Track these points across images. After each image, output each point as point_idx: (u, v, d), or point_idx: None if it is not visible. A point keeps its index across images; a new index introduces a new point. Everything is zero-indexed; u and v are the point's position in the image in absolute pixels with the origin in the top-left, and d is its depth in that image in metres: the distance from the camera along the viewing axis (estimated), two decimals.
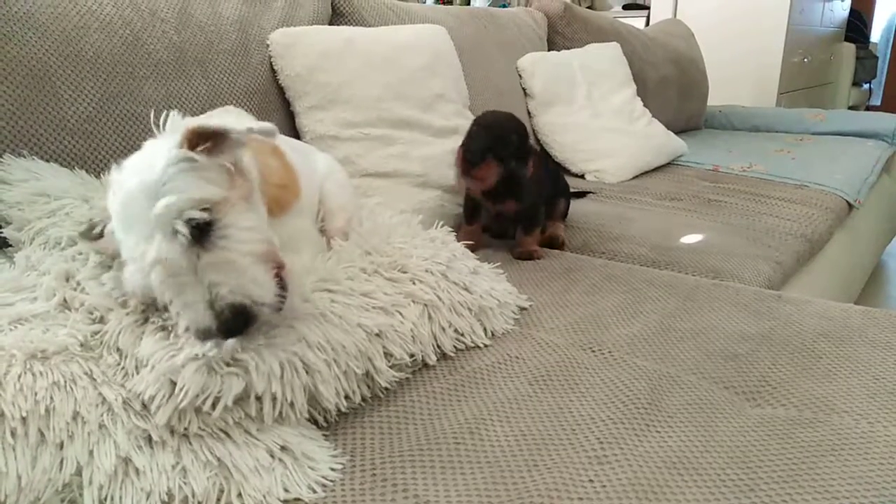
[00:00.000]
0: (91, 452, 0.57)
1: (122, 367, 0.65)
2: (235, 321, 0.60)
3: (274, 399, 0.65)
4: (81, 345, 0.65)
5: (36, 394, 0.57)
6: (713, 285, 1.08)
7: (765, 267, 1.23)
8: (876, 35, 5.25)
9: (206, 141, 0.65)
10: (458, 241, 1.01)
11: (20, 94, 0.93)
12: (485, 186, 1.19)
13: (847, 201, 1.79)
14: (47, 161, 0.93)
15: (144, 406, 0.62)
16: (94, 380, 0.62)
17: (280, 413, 0.66)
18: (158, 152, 0.63)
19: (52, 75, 0.97)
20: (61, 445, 0.56)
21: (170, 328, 0.66)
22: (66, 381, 0.60)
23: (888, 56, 5.39)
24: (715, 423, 0.70)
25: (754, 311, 0.98)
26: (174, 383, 0.61)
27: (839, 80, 4.46)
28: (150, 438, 0.60)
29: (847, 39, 4.46)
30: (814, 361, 0.83)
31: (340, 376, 0.71)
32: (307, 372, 0.68)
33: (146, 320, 0.67)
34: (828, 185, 1.82)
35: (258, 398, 0.65)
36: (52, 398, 0.58)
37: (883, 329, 0.90)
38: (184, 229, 0.60)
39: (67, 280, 0.72)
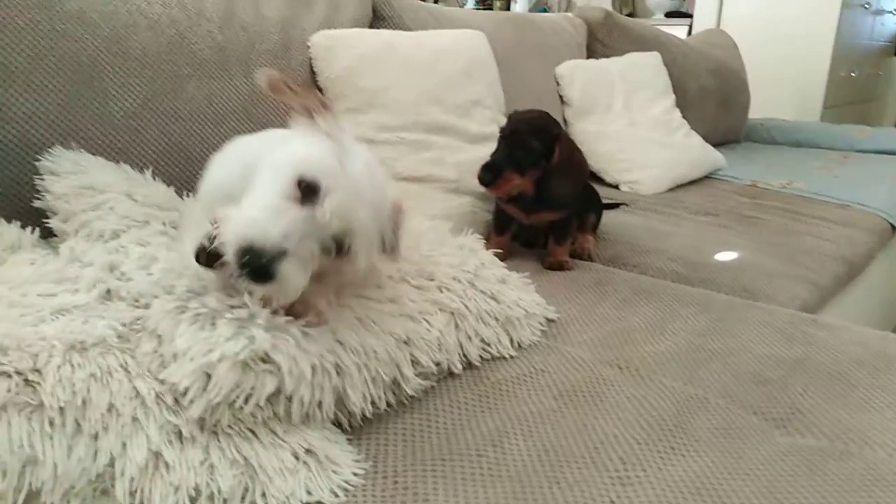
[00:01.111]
0: (124, 445, 0.58)
1: (160, 355, 0.66)
2: (267, 267, 0.58)
3: (302, 399, 0.66)
4: (119, 336, 0.67)
5: (74, 385, 0.59)
6: (746, 305, 1.06)
7: (801, 289, 1.20)
8: None
9: None
10: (487, 250, 1.01)
11: (70, 89, 0.96)
12: (507, 194, 1.19)
13: (890, 223, 1.73)
14: (94, 155, 0.96)
15: (176, 401, 0.63)
16: (129, 373, 0.64)
17: (307, 413, 0.67)
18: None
19: (101, 71, 1.00)
20: (96, 436, 0.58)
21: (208, 317, 0.66)
22: (102, 374, 0.61)
23: None
24: (742, 450, 0.69)
25: (788, 334, 0.96)
26: (209, 376, 0.62)
27: (888, 96, 4.33)
28: (180, 433, 0.61)
29: None
30: (848, 390, 0.81)
31: (369, 381, 0.72)
32: (338, 374, 0.69)
33: (187, 308, 0.68)
34: (871, 205, 1.77)
35: (288, 397, 0.66)
36: (88, 390, 0.59)
37: None
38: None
39: (111, 271, 0.74)
